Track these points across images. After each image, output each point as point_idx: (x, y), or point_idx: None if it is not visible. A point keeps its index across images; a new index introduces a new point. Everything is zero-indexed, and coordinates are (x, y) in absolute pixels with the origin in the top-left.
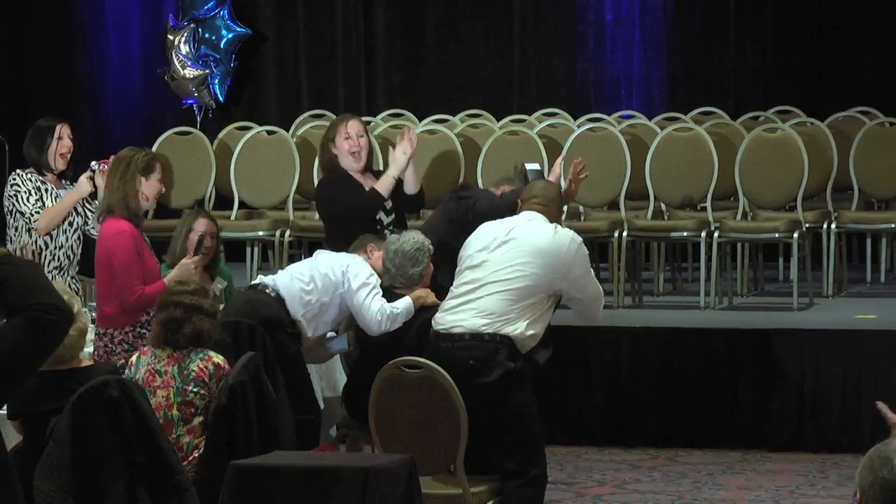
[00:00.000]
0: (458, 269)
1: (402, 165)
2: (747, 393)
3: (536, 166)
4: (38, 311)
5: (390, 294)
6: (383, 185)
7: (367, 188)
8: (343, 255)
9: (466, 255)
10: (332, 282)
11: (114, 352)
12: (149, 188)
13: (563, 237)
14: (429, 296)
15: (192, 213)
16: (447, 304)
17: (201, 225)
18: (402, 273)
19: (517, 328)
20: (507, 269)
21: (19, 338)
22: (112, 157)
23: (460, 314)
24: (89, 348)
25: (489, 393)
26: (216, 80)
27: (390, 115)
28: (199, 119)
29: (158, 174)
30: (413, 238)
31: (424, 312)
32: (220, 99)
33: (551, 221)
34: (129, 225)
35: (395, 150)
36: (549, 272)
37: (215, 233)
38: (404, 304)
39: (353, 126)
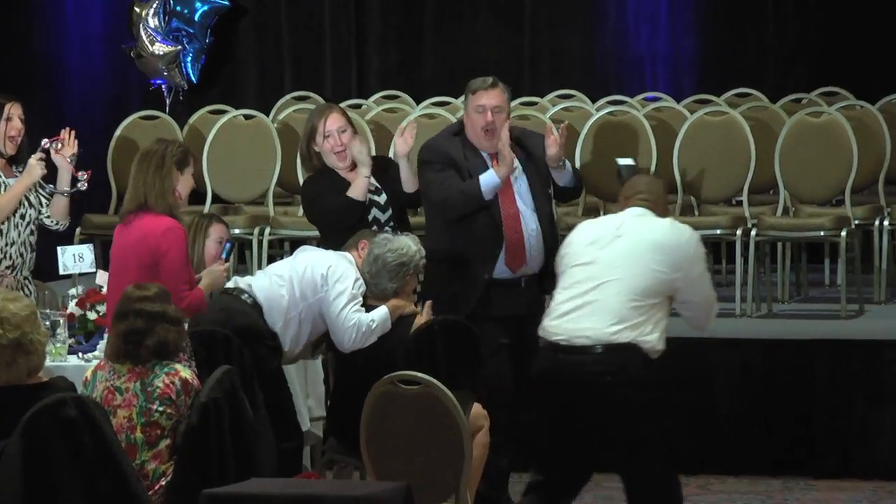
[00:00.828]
0: (561, 268)
1: (365, 163)
2: (788, 412)
3: (630, 161)
4: None
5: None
6: (357, 190)
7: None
8: (328, 253)
9: (572, 252)
10: (310, 284)
11: None
12: (183, 184)
13: (683, 230)
14: (406, 305)
15: (203, 219)
16: (559, 307)
17: (218, 231)
18: (375, 283)
19: (649, 338)
20: (626, 265)
21: None
22: (65, 132)
23: (581, 321)
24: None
25: (625, 408)
26: (188, 58)
27: (384, 97)
28: (168, 101)
29: (192, 168)
30: (401, 249)
31: (401, 323)
32: (193, 79)
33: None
34: (177, 223)
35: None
36: (671, 269)
37: (225, 240)
38: (380, 316)
39: (333, 121)
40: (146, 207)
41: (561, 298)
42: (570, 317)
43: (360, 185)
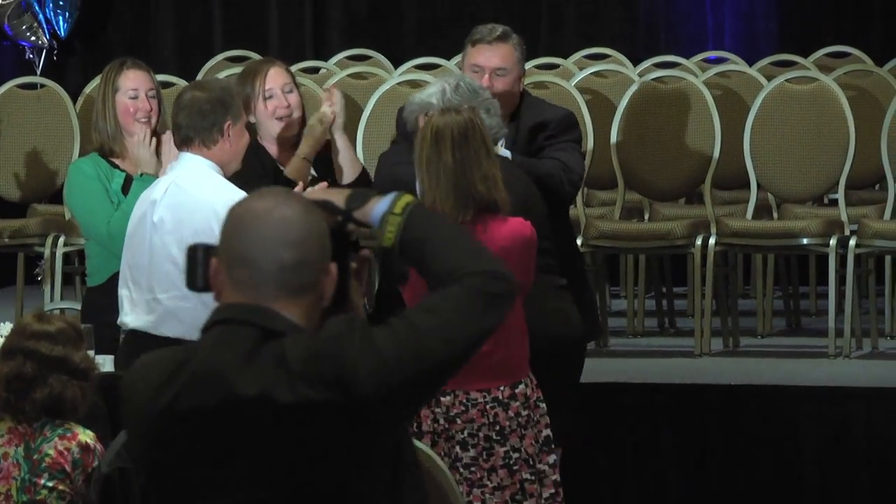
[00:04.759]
0: None
1: (317, 138)
2: None
3: None
4: (480, 279)
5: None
6: (292, 170)
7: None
8: (204, 189)
9: None
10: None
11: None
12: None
13: None
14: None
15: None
16: None
17: (132, 80)
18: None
19: None
20: None
21: (463, 306)
22: None
23: None
24: None
25: None
26: (49, 4)
27: (350, 58)
28: (38, 65)
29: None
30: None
31: None
32: (61, 33)
33: None
34: (526, 223)
35: (311, 117)
36: None
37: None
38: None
39: (276, 77)
40: (489, 207)
41: None
42: None
43: (294, 167)
